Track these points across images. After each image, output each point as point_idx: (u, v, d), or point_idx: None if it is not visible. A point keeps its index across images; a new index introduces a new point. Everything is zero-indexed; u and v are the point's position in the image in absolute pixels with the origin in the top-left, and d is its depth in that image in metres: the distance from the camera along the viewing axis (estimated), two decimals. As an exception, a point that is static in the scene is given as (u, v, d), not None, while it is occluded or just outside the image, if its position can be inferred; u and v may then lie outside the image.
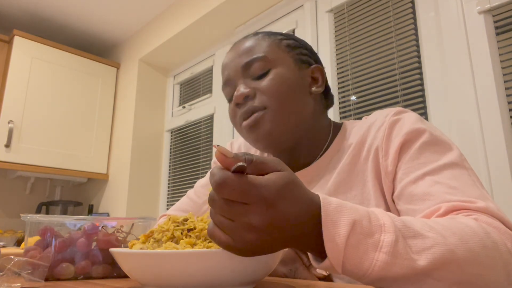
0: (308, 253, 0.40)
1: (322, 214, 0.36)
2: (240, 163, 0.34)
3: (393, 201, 0.58)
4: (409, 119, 0.60)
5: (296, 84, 0.66)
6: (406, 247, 0.37)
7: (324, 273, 0.57)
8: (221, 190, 0.34)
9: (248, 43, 0.69)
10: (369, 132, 0.64)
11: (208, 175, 0.86)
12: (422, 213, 0.49)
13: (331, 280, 0.58)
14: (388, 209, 0.58)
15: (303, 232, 0.36)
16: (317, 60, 0.73)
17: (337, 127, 0.71)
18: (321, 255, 0.38)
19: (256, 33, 0.72)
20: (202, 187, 0.85)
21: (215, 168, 0.35)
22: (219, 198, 0.35)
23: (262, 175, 0.36)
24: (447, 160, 0.53)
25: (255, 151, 0.79)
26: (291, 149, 0.68)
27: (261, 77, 0.65)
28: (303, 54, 0.71)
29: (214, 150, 0.36)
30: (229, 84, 0.69)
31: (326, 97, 0.73)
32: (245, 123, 0.65)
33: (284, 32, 0.73)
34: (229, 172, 0.34)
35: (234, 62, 0.68)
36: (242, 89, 0.65)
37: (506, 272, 0.41)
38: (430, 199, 0.50)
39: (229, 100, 0.70)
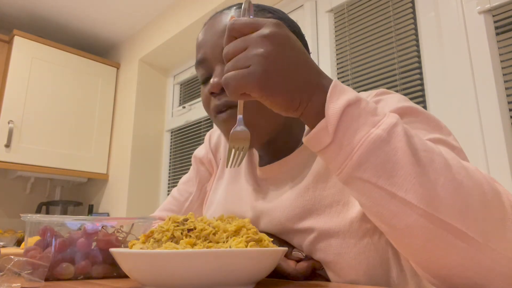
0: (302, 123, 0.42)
1: (333, 82, 0.39)
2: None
3: None
4: (392, 99, 0.55)
5: None
6: (406, 133, 0.37)
7: (301, 255, 0.56)
8: (235, 25, 0.39)
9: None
10: None
11: (190, 171, 0.83)
12: None
13: (315, 274, 0.57)
14: None
15: (309, 76, 0.39)
16: (304, 45, 0.65)
17: None
18: (314, 118, 0.39)
19: (239, 7, 0.62)
20: (184, 184, 0.82)
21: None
22: (233, 40, 0.39)
23: None
24: (432, 136, 0.49)
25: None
26: (268, 144, 0.63)
27: None
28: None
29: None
30: (203, 66, 0.60)
31: None
32: (219, 116, 0.59)
33: (270, 7, 0.65)
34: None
35: (213, 41, 0.59)
36: (219, 78, 0.56)
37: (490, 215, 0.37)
38: None
39: (202, 82, 0.62)
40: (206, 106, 0.62)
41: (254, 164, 0.69)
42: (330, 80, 0.40)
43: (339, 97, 0.38)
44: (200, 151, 0.81)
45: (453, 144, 0.49)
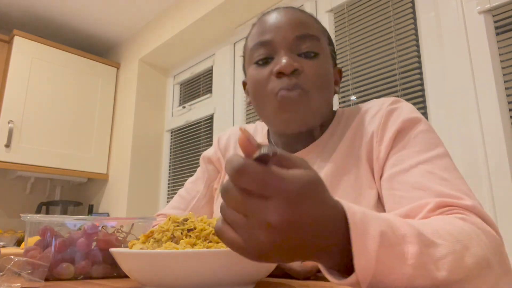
0: (323, 270, 0.36)
1: (350, 224, 0.33)
2: (264, 151, 0.30)
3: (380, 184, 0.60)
4: (406, 109, 0.63)
5: (331, 79, 0.69)
6: (428, 257, 0.36)
7: None
8: (240, 178, 0.30)
9: (303, 16, 0.68)
10: (364, 119, 0.67)
11: (197, 172, 0.87)
12: (411, 205, 0.51)
13: (315, 275, 0.57)
14: (379, 193, 0.61)
15: (324, 239, 0.32)
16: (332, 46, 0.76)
17: (332, 114, 0.74)
18: (343, 268, 0.35)
19: (301, 10, 0.70)
20: (192, 183, 0.86)
21: (234, 155, 0.31)
22: (235, 189, 0.31)
23: None
24: (439, 151, 0.57)
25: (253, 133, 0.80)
26: (298, 135, 0.68)
27: (309, 57, 0.65)
28: (334, 52, 0.73)
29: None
30: (267, 47, 0.66)
31: None
32: (287, 94, 0.63)
33: None
34: (250, 159, 0.30)
35: (284, 28, 0.65)
36: (291, 61, 0.63)
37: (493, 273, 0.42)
38: (422, 188, 0.52)
39: (258, 62, 0.67)
40: (263, 86, 0.66)
41: None
42: (343, 228, 0.33)
43: (365, 245, 0.33)
44: (209, 152, 0.86)
45: (451, 159, 0.57)
